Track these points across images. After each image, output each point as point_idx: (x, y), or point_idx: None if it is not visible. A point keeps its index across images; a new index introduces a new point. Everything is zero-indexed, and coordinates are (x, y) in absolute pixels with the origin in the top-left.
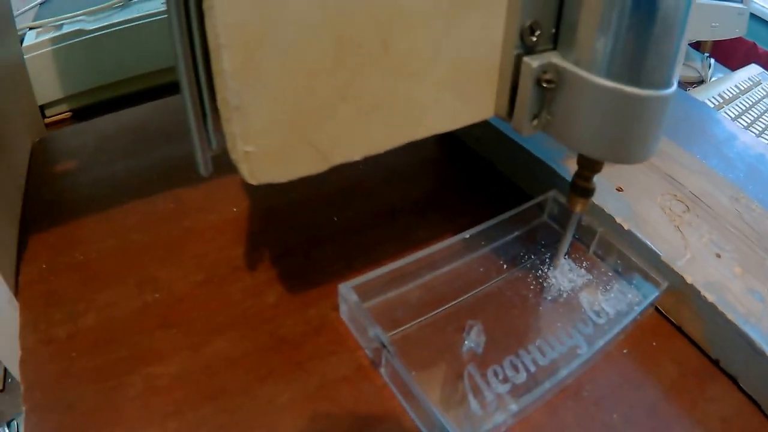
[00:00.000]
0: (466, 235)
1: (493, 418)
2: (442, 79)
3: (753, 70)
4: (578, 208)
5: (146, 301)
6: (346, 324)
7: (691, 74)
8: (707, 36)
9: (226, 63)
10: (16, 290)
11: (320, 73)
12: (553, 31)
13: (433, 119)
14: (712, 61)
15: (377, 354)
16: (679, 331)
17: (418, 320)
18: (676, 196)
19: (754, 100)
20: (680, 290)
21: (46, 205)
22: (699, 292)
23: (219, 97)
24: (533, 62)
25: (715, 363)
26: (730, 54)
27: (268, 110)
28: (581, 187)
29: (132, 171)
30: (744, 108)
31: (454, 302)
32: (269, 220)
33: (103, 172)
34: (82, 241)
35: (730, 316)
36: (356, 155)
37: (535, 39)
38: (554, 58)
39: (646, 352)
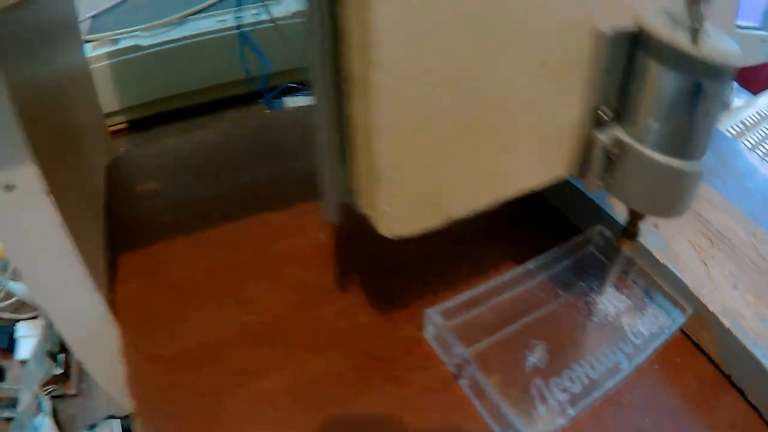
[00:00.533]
0: (530, 266)
1: (555, 421)
2: (533, 149)
3: None
4: (626, 247)
5: (245, 321)
6: (430, 342)
7: None
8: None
9: (377, 144)
10: (112, 309)
11: (450, 152)
12: (619, 109)
13: (523, 179)
14: (735, 85)
15: (459, 368)
16: (699, 350)
17: (491, 338)
18: (703, 233)
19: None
20: (702, 315)
21: (129, 225)
22: (717, 318)
23: (363, 167)
24: (603, 137)
25: (728, 377)
26: (752, 78)
27: (408, 182)
28: (630, 232)
29: (214, 193)
30: (763, 135)
31: (519, 323)
32: (353, 246)
33: (186, 194)
34: (172, 263)
35: (741, 338)
36: (469, 211)
37: (605, 118)
38: (619, 132)
39: (672, 367)
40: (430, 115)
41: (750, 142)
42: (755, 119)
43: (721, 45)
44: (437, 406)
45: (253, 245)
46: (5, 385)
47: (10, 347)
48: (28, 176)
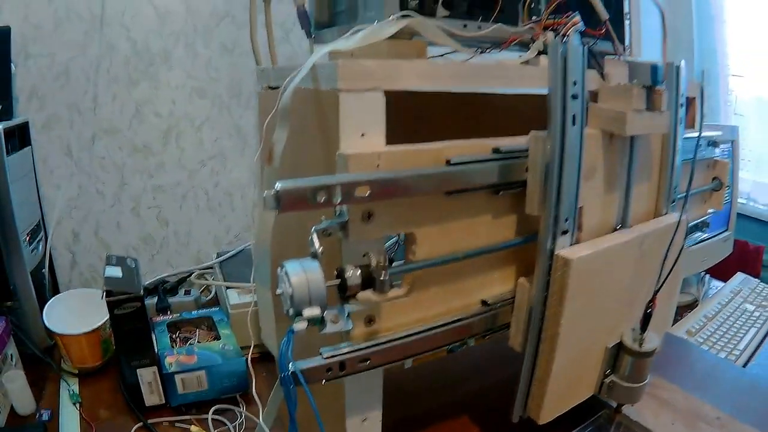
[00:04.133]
0: None
1: None
2: (588, 365)
3: (737, 279)
4: None
5: None
6: None
7: (686, 299)
8: (699, 269)
9: (551, 373)
10: None
11: (575, 370)
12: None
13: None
14: (708, 278)
15: None
16: None
17: None
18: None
19: (725, 318)
20: None
21: None
22: None
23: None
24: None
25: None
26: (722, 269)
27: (557, 390)
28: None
29: None
30: (716, 328)
31: None
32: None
33: None
34: None
35: None
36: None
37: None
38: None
39: None
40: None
41: (708, 334)
42: (716, 309)
43: (650, 343)
44: None
45: None
46: None
47: None
48: None
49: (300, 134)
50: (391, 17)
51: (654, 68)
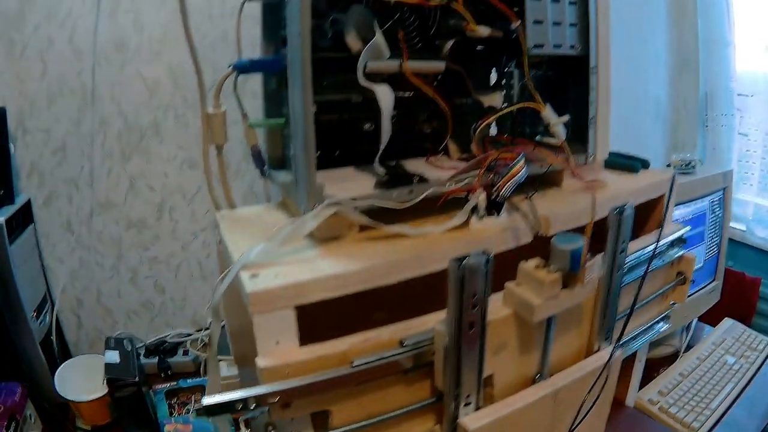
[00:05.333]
0: None
1: None
2: None
3: (723, 327)
4: None
5: None
6: None
7: (667, 351)
8: (682, 324)
9: None
10: None
11: None
12: None
13: None
14: (694, 323)
15: None
16: None
17: None
18: None
19: (701, 375)
20: None
21: None
22: None
23: None
24: None
25: None
26: (712, 315)
27: None
28: None
29: None
30: (689, 387)
31: None
32: None
33: None
34: None
35: None
36: None
37: None
38: None
39: None
40: None
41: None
42: (694, 364)
43: None
44: None
45: None
46: None
47: None
48: None
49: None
50: (314, 209)
51: (573, 255)
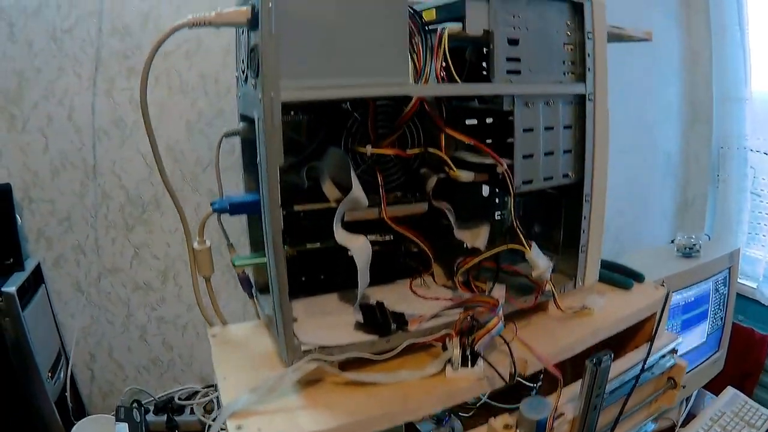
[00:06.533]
0: None
1: None
2: None
3: (725, 398)
4: None
5: None
6: None
7: (664, 425)
8: (683, 396)
9: None
10: None
11: None
12: None
13: None
14: (695, 393)
15: None
16: None
17: None
18: None
19: None
20: None
21: None
22: None
23: None
24: None
25: None
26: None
27: None
28: None
29: None
30: None
31: None
32: None
33: None
34: None
35: None
36: None
37: None
38: None
39: None
40: None
41: None
42: None
43: None
44: None
45: None
46: None
47: None
48: None
49: None
50: (294, 363)
51: (539, 425)
